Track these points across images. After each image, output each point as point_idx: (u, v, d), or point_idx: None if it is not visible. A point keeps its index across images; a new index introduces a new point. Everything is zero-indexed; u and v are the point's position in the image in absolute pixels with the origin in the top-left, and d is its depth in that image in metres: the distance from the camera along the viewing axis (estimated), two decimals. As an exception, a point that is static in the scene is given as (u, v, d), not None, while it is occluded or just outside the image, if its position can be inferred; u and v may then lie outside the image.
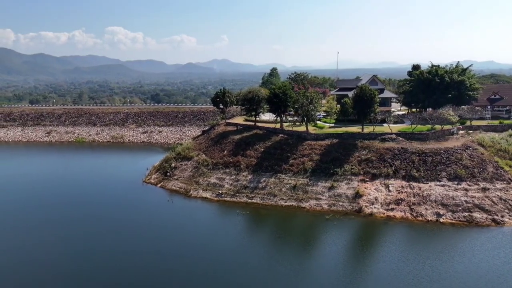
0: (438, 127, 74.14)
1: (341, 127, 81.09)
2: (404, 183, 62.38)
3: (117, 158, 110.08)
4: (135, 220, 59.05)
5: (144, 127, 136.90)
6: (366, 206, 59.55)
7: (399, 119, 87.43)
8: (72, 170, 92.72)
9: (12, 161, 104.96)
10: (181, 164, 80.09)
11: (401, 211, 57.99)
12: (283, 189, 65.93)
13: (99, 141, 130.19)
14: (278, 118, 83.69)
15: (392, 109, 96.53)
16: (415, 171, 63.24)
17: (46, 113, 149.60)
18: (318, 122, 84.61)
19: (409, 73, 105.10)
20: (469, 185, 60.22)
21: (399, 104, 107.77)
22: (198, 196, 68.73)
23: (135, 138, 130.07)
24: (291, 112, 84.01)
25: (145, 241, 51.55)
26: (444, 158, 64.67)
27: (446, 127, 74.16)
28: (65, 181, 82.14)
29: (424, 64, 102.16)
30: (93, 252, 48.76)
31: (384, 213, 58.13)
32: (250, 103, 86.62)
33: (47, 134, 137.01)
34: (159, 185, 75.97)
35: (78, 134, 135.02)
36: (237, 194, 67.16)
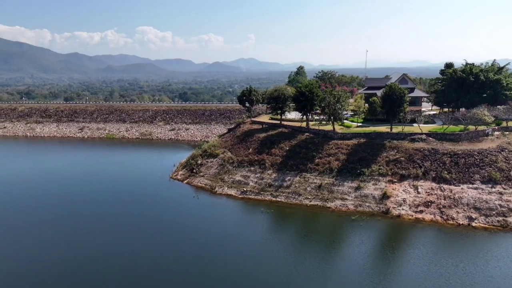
0: (471, 127, 71.28)
1: (369, 126, 79.52)
2: (434, 185, 60.39)
3: (146, 154, 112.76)
4: (162, 216, 60.32)
5: (171, 124, 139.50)
6: (393, 208, 58.12)
7: (430, 119, 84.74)
8: (103, 166, 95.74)
9: (47, 156, 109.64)
10: (207, 161, 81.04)
11: (430, 214, 56.19)
12: (308, 188, 65.40)
13: (128, 137, 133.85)
14: (304, 116, 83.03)
15: (423, 109, 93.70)
16: (446, 172, 61.09)
17: (79, 110, 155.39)
18: (345, 121, 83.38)
19: (442, 72, 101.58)
20: (504, 189, 57.55)
21: (430, 103, 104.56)
22: (223, 193, 69.32)
23: (163, 135, 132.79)
24: (318, 111, 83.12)
25: (172, 237, 52.56)
26: (478, 160, 62.09)
27: (480, 128, 71.14)
28: (96, 176, 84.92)
29: (458, 63, 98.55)
30: (120, 246, 50.20)
31: (412, 215, 56.52)
32: (276, 102, 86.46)
33: (80, 130, 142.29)
34: (186, 181, 77.20)
35: (109, 131, 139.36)
36: (262, 192, 67.23)
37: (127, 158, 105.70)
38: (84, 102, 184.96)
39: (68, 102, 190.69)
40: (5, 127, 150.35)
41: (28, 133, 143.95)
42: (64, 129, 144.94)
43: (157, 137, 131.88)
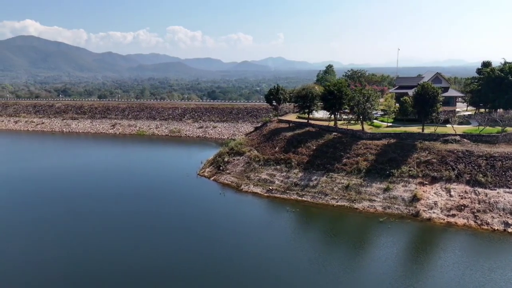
0: (509, 129, 67.84)
1: (399, 126, 77.43)
2: (468, 188, 57.97)
3: (174, 151, 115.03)
4: (188, 212, 61.33)
5: (200, 122, 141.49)
6: (424, 211, 56.29)
7: (465, 120, 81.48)
8: (133, 161, 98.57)
9: (82, 151, 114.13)
10: (234, 159, 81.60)
11: (463, 218, 54.00)
12: (335, 189, 64.49)
13: (158, 134, 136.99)
14: (332, 116, 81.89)
15: (457, 109, 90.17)
16: (481, 175, 58.49)
17: (112, 107, 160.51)
18: (374, 121, 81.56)
19: (478, 71, 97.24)
20: (545, 194, 54.40)
21: (465, 103, 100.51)
22: (249, 191, 69.59)
23: (191, 132, 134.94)
24: (346, 110, 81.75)
25: (198, 234, 53.33)
26: (516, 163, 59.01)
27: (520, 129, 67.61)
28: (126, 172, 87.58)
29: (496, 61, 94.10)
30: (143, 242, 51.47)
31: (444, 219, 54.53)
32: (304, 100, 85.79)
33: (112, 127, 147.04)
34: (212, 178, 78.11)
35: (139, 127, 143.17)
36: (287, 191, 66.95)
37: (156, 155, 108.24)
38: (116, 100, 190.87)
39: (101, 100, 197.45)
40: (43, 123, 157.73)
41: (64, 129, 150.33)
42: (97, 125, 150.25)
43: (185, 134, 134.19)
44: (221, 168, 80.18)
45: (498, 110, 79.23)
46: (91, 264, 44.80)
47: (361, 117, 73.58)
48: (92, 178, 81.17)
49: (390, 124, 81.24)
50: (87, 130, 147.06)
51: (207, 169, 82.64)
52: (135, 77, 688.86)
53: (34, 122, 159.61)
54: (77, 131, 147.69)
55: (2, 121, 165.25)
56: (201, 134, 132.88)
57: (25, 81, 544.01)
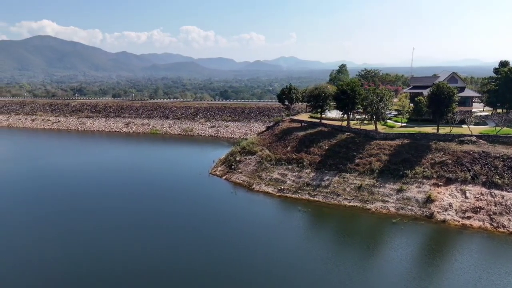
0: (528, 130, 66.24)
1: (413, 127, 76.38)
2: (484, 190, 56.80)
3: (186, 150, 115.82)
4: (200, 211, 61.57)
5: (212, 121, 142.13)
6: (438, 212, 55.38)
7: (481, 120, 79.92)
8: (146, 160, 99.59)
9: (96, 149, 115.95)
10: (245, 158, 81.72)
11: (479, 220, 52.92)
12: (347, 189, 63.99)
13: (171, 133, 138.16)
14: (345, 115, 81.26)
15: (473, 109, 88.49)
16: (498, 177, 57.23)
17: (126, 106, 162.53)
18: (388, 121, 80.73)
19: (496, 71, 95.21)
20: None
21: (482, 104, 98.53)
22: (261, 190, 69.60)
23: (204, 131, 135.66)
24: (359, 110, 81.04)
25: (210, 233, 53.55)
26: (535, 165, 57.57)
27: (539, 130, 65.96)
28: (139, 170, 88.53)
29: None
30: (153, 239, 51.96)
31: (459, 221, 53.55)
32: (316, 100, 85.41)
33: (126, 125, 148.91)
34: (224, 177, 78.38)
35: (153, 126, 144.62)
36: (299, 191, 66.72)
37: (168, 153, 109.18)
38: (130, 99, 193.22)
39: (115, 99, 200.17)
40: (59, 121, 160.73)
41: (79, 127, 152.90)
42: (111, 124, 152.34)
43: (198, 133, 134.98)
44: (233, 167, 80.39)
45: (516, 110, 77.46)
46: (95, 263, 45.19)
47: (374, 117, 72.82)
48: (105, 176, 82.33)
49: (404, 124, 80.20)
50: (102, 129, 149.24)
51: (219, 168, 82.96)
52: (148, 76, 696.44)
53: (51, 120, 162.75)
54: (91, 129, 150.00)
55: (20, 119, 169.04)
56: (213, 133, 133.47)
57: (42, 80, 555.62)
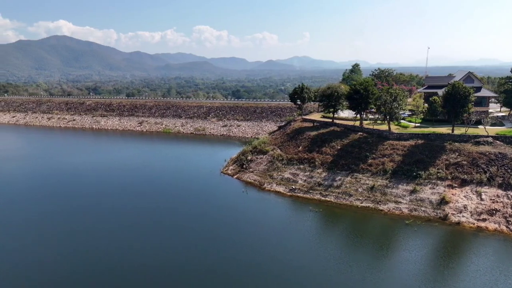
0: (547, 131, 64.50)
1: (427, 127, 75.21)
2: (500, 192, 55.59)
3: (198, 148, 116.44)
4: (212, 209, 61.89)
5: (224, 121, 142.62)
6: (452, 214, 54.42)
7: (498, 121, 78.16)
8: (159, 158, 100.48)
9: (109, 147, 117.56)
10: (257, 158, 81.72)
11: (494, 223, 51.81)
12: (360, 189, 63.40)
13: (183, 132, 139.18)
14: (358, 115, 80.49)
15: (490, 110, 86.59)
16: (515, 179, 55.91)
17: (139, 105, 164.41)
18: (402, 121, 79.67)
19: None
20: None
21: (498, 104, 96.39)
22: (272, 189, 69.50)
23: (216, 131, 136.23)
24: (372, 110, 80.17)
25: (220, 232, 53.76)
26: (554, 167, 56.06)
27: (559, 131, 64.17)
28: (151, 168, 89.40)
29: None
30: (163, 238, 52.36)
31: (474, 223, 52.51)
32: (329, 99, 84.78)
33: (139, 124, 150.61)
34: (235, 176, 78.55)
35: (166, 125, 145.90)
36: (311, 191, 66.39)
37: (181, 152, 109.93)
38: (143, 98, 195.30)
39: (129, 98, 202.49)
40: (74, 120, 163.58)
41: (94, 126, 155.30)
42: (125, 122, 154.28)
43: (210, 132, 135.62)
44: (244, 166, 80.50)
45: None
46: (101, 260, 45.73)
47: (387, 117, 71.96)
48: (118, 174, 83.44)
49: (418, 124, 79.05)
50: (115, 127, 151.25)
51: (231, 167, 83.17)
52: (162, 76, 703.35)
53: (66, 119, 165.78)
54: (105, 128, 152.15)
55: (36, 117, 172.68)
56: (225, 133, 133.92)
57: (58, 79, 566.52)
